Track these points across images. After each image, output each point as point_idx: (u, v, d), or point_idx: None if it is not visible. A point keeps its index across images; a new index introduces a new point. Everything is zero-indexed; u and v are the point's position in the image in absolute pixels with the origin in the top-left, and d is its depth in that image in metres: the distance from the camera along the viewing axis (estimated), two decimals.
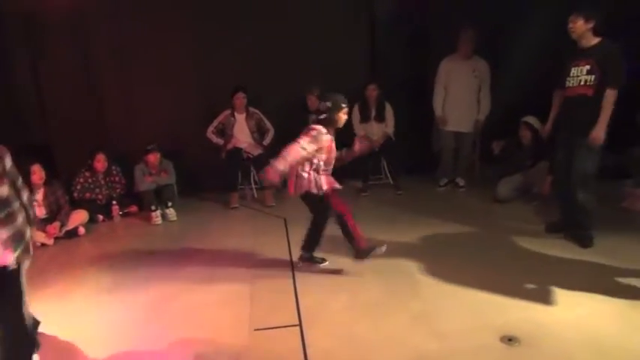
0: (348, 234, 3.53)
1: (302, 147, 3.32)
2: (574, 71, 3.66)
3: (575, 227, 3.91)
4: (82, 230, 4.87)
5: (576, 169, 3.71)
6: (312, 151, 3.36)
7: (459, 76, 5.33)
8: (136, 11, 5.38)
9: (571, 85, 3.70)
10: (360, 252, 3.53)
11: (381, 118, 5.67)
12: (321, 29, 5.67)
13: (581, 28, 3.55)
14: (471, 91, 5.38)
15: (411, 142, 5.96)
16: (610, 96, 3.52)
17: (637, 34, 5.04)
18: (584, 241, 3.81)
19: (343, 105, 3.43)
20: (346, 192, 5.49)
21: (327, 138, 3.41)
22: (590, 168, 3.69)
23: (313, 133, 3.36)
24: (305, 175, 3.44)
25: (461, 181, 5.68)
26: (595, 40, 3.59)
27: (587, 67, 3.58)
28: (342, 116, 3.45)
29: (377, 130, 5.68)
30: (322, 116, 3.42)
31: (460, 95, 5.37)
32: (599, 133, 3.55)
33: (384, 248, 3.52)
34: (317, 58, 5.66)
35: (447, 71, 5.37)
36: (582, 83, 3.61)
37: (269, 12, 5.56)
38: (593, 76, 3.56)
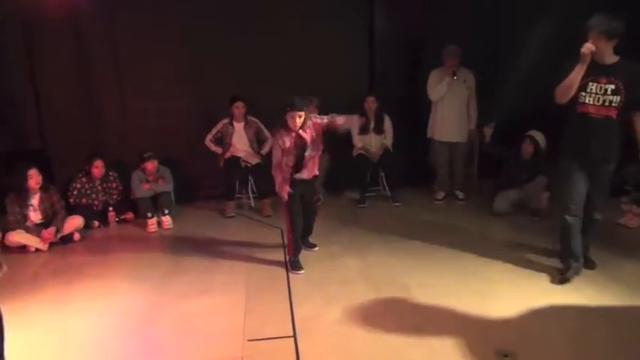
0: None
1: None
2: (593, 87, 3.29)
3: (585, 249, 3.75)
4: (77, 236, 4.84)
5: (602, 195, 3.55)
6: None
7: (450, 87, 5.33)
8: (133, 20, 5.40)
9: (588, 102, 3.32)
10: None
11: (379, 130, 5.68)
12: (321, 40, 5.68)
13: (603, 47, 3.20)
14: (462, 101, 5.40)
15: (409, 154, 5.97)
16: None
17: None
18: (591, 264, 3.72)
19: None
20: (344, 203, 5.56)
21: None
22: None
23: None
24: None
25: (460, 194, 5.65)
26: (615, 58, 3.27)
27: (612, 86, 3.25)
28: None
29: (375, 142, 5.68)
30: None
31: (452, 106, 5.38)
32: None
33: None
34: (316, 69, 5.67)
35: (437, 81, 5.36)
36: (607, 104, 3.27)
37: (269, 23, 5.57)
38: (618, 97, 3.24)
